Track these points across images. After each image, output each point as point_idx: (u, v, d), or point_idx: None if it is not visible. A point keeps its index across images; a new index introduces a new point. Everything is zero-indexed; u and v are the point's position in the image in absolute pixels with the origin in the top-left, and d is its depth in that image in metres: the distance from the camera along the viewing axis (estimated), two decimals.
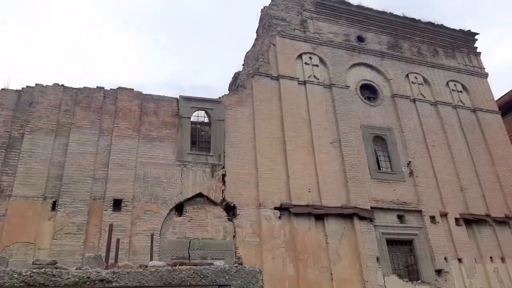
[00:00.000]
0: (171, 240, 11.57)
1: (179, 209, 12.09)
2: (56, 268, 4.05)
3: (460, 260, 14.08)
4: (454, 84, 18.60)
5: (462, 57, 19.66)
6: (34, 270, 3.93)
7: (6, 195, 10.75)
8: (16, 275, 3.84)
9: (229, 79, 19.14)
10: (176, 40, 62.77)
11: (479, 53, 20.18)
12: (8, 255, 9.45)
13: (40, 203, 10.86)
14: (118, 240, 8.29)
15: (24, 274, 3.86)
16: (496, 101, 19.40)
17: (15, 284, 3.80)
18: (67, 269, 4.11)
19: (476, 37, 20.19)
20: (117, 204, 11.42)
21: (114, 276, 4.05)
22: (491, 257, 14.58)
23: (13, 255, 9.79)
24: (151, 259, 8.87)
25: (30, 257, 9.73)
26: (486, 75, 19.65)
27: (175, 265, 4.35)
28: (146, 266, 4.34)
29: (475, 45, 20.21)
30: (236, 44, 60.95)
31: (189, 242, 11.61)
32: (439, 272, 13.57)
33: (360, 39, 17.82)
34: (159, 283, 4.10)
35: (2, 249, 10.01)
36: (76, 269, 4.14)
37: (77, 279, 3.95)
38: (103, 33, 58.83)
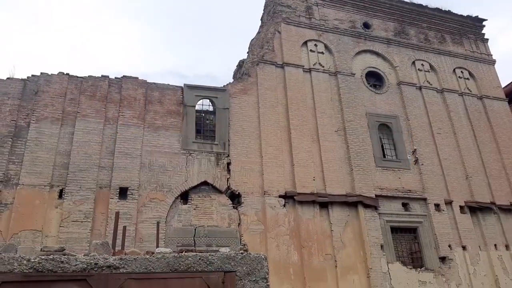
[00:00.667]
0: (177, 228, 11.67)
1: (184, 197, 12.17)
2: (64, 255, 4.10)
3: (464, 248, 14.11)
4: (461, 71, 18.39)
5: (470, 43, 19.40)
6: (43, 257, 3.99)
7: (13, 183, 10.86)
8: (25, 262, 3.90)
9: (233, 67, 19.03)
10: (179, 29, 62.37)
11: (487, 39, 19.88)
12: (16, 242, 9.60)
13: (47, 191, 10.97)
14: (124, 227, 8.36)
15: (33, 260, 3.92)
16: (503, 88, 19.18)
17: (25, 270, 3.86)
18: (75, 255, 4.16)
19: (484, 23, 19.89)
20: (123, 192, 11.50)
21: (121, 263, 4.10)
22: (495, 245, 14.59)
23: (21, 242, 9.93)
24: (157, 247, 8.96)
25: (38, 244, 9.84)
26: (493, 62, 19.40)
27: (182, 252, 4.40)
28: (153, 253, 4.39)
29: (483, 31, 19.92)
30: (240, 32, 60.51)
31: (195, 229, 11.71)
32: (443, 259, 13.62)
33: (366, 25, 17.61)
34: (166, 269, 4.15)
35: (10, 236, 10.16)
36: (84, 255, 4.19)
37: (85, 265, 4.00)
38: (105, 24, 58.59)
